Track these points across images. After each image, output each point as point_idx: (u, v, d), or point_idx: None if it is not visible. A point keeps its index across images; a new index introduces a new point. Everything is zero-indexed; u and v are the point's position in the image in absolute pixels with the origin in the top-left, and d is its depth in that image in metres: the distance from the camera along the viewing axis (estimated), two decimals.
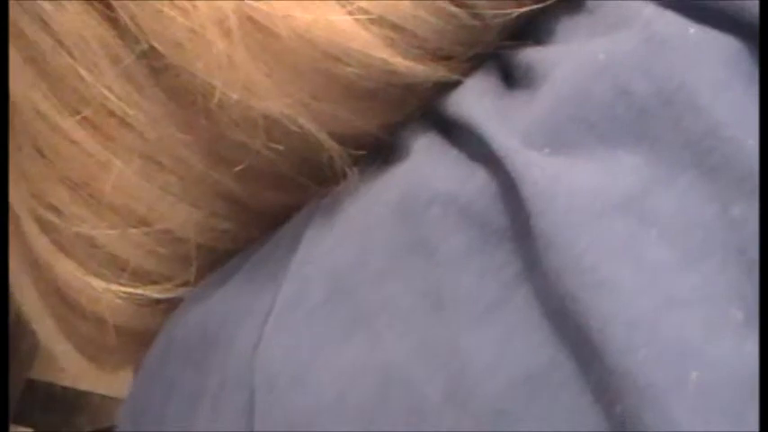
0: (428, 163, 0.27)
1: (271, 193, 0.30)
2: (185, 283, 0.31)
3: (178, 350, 0.29)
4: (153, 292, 0.32)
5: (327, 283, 0.27)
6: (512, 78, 0.28)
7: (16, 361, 1.14)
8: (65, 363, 0.38)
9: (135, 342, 0.34)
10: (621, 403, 0.21)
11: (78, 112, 0.29)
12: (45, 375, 1.67)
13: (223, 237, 0.31)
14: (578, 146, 0.25)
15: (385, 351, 0.25)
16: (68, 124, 0.29)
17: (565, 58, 0.26)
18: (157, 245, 0.31)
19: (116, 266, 0.31)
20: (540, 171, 0.24)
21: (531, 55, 0.28)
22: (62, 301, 0.33)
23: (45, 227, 0.31)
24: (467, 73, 0.29)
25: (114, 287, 0.31)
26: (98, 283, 0.31)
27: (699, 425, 0.21)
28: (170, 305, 0.31)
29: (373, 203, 0.28)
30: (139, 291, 0.31)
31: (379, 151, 0.29)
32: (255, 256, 0.29)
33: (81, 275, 0.31)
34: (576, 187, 0.24)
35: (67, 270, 0.31)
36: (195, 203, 0.30)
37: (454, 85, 0.29)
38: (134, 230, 0.30)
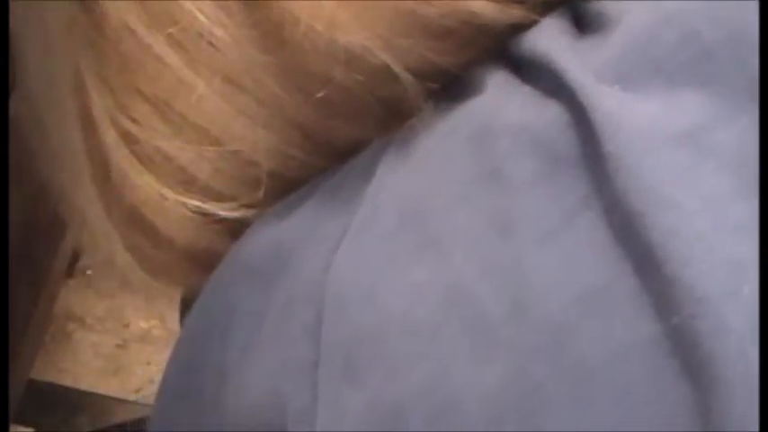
0: (501, 97, 0.28)
1: (345, 124, 0.31)
2: (251, 206, 0.32)
3: (245, 270, 0.30)
4: (219, 209, 0.33)
5: (400, 209, 0.28)
6: (583, 24, 0.29)
7: (17, 361, 1.14)
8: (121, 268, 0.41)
9: (196, 263, 0.35)
10: (679, 314, 0.23)
11: (167, 30, 0.30)
12: (45, 375, 1.67)
13: (292, 164, 0.32)
14: (647, 85, 0.26)
15: (452, 271, 0.26)
16: (156, 41, 0.30)
17: (636, 6, 0.28)
18: (229, 165, 0.32)
19: (188, 181, 0.32)
20: (611, 102, 0.26)
21: (602, 3, 0.29)
22: (130, 216, 0.35)
23: (126, 138, 0.32)
24: (540, 16, 0.30)
25: (184, 199, 0.33)
26: (170, 194, 0.33)
27: (749, 332, 0.22)
28: (235, 228, 0.32)
29: (447, 136, 0.29)
30: (207, 206, 0.33)
31: (453, 87, 0.30)
32: (327, 184, 0.30)
33: (155, 185, 0.33)
34: (644, 118, 0.25)
35: (143, 180, 0.33)
36: (270, 128, 0.31)
37: (527, 27, 0.30)
38: (209, 148, 0.31)
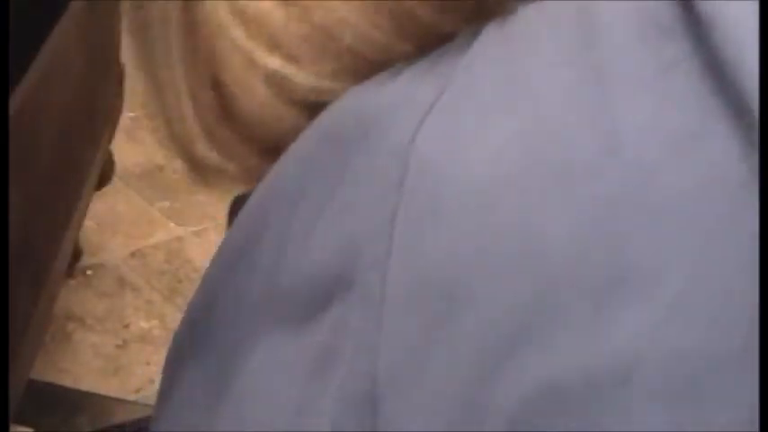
0: None
1: (436, 13, 0.32)
2: (330, 77, 0.33)
3: (324, 137, 0.31)
4: (298, 75, 0.34)
5: (496, 72, 0.29)
6: None
7: (17, 361, 1.14)
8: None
9: (269, 150, 0.36)
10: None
11: None
12: (45, 375, 1.67)
13: (376, 46, 0.32)
14: None
15: (544, 120, 0.27)
16: None
17: None
18: (314, 34, 0.33)
19: (273, 44, 0.34)
20: None
21: None
22: (212, 101, 0.36)
23: None
24: None
25: (268, 58, 0.34)
26: (259, 55, 0.34)
27: None
28: (311, 111, 0.33)
29: (547, 16, 0.30)
30: (288, 69, 0.34)
31: None
32: (417, 65, 0.31)
33: (243, 41, 0.34)
34: None
35: (233, 34, 0.34)
36: (358, 7, 0.32)
37: None
38: (295, 13, 0.33)
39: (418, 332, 0.26)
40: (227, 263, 0.32)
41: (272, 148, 0.35)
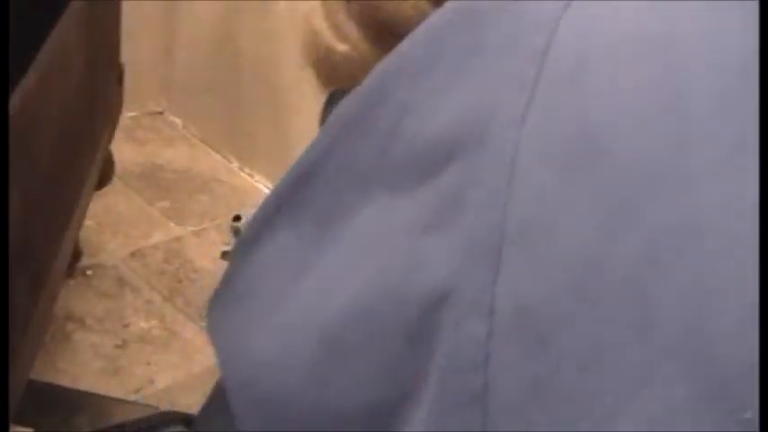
0: None
1: None
2: None
3: (461, 11, 0.31)
4: None
5: None
6: None
7: (16, 361, 1.14)
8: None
9: (381, 38, 0.38)
10: None
11: None
12: (45, 376, 1.67)
13: None
14: None
15: None
16: None
17: None
18: None
19: None
20: None
21: None
22: None
23: None
24: None
25: None
26: None
27: None
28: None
29: None
30: None
31: None
32: None
33: None
34: None
35: None
36: None
37: None
38: None
39: (552, 187, 0.27)
40: (339, 131, 0.33)
41: (386, 34, 0.36)
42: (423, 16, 0.34)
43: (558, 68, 0.28)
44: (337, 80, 0.41)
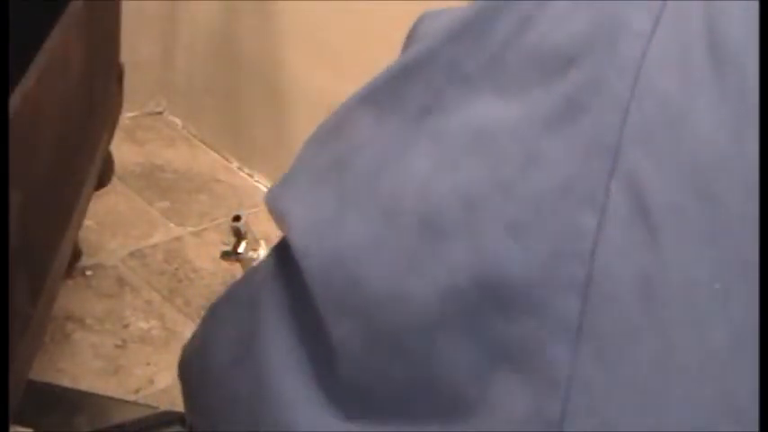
0: None
1: None
2: None
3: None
4: None
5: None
6: None
7: (16, 361, 1.14)
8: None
9: None
10: None
11: None
12: (44, 376, 1.67)
13: None
14: None
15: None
16: None
17: None
18: None
19: None
20: None
21: None
22: None
23: None
24: None
25: None
26: None
27: None
28: None
29: None
30: None
31: None
32: None
33: None
34: None
35: None
36: None
37: None
38: None
39: (678, 93, 0.28)
40: (446, 36, 0.34)
41: None
42: None
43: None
44: None
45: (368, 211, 0.32)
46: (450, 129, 0.31)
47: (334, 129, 0.35)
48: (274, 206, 0.35)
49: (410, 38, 0.38)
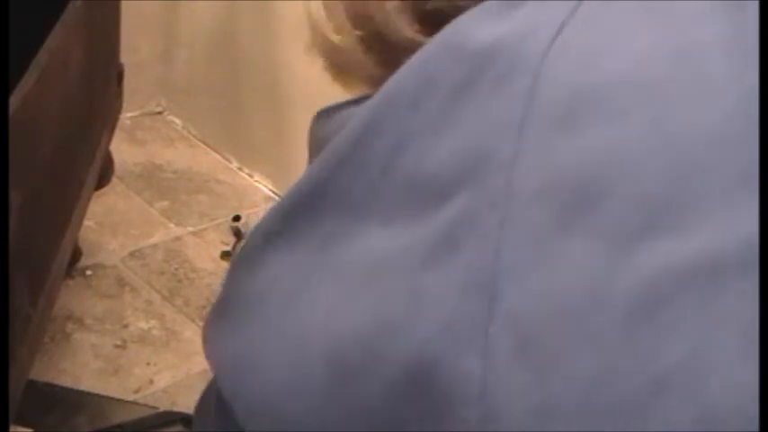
0: None
1: None
2: None
3: (452, 48, 0.32)
4: None
5: None
6: None
7: (16, 362, 1.14)
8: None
9: (386, 63, 0.38)
10: None
11: None
12: (44, 376, 1.67)
13: None
14: None
15: (682, 36, 0.29)
16: None
17: None
18: None
19: None
20: None
21: None
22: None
23: None
24: None
25: None
26: None
27: None
28: (435, 24, 0.35)
29: None
30: None
31: None
32: None
33: None
34: None
35: None
36: None
37: None
38: None
39: (546, 228, 0.27)
40: (333, 162, 0.33)
41: (390, 60, 0.37)
42: (402, 23, 0.34)
43: (545, 113, 0.29)
44: (339, 74, 0.41)
45: (285, 348, 0.33)
46: (349, 260, 0.32)
47: (250, 261, 0.36)
48: (207, 346, 0.36)
49: (310, 145, 0.39)
